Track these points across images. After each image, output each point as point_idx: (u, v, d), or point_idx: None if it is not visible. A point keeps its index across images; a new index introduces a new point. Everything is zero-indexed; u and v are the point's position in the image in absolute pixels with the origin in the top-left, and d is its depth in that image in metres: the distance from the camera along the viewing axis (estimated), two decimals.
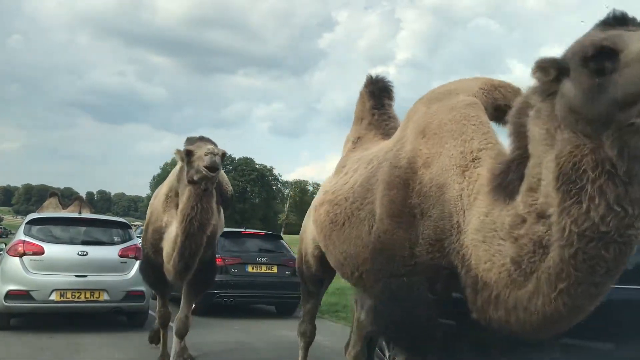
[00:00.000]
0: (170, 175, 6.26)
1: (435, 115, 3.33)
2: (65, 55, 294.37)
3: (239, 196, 70.01)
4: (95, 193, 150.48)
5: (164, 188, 6.17)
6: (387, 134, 4.38)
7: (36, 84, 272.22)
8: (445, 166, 3.07)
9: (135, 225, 12.28)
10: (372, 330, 4.32)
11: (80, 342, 7.48)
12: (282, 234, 17.98)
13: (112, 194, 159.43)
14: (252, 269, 10.62)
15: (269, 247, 11.34)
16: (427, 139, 3.26)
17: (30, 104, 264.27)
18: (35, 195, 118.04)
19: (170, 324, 6.57)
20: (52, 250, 8.16)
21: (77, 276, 8.03)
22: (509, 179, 2.59)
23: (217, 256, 7.20)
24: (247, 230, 12.14)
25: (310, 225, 4.84)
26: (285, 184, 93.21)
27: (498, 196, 2.65)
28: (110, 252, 8.49)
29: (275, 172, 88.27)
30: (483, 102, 3.38)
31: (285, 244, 11.71)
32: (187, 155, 4.94)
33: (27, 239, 8.17)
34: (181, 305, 6.02)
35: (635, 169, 2.04)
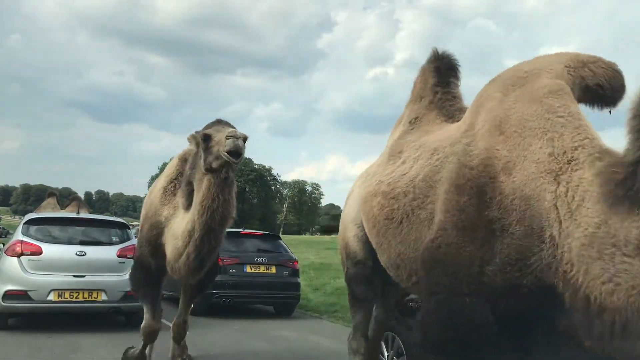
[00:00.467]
0: (167, 168, 5.79)
1: (513, 107, 2.90)
2: (64, 55, 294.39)
3: (238, 196, 69.96)
4: (93, 193, 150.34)
5: (160, 182, 5.63)
6: (451, 115, 3.90)
7: (35, 83, 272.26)
8: (532, 174, 2.65)
9: (133, 226, 12.24)
10: (419, 347, 3.76)
11: (78, 342, 7.47)
12: (280, 234, 17.98)
13: (111, 194, 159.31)
14: (251, 269, 10.61)
15: (268, 247, 11.33)
16: (505, 138, 2.84)
17: (29, 104, 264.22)
18: (33, 195, 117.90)
19: (163, 320, 6.36)
20: (50, 250, 8.14)
21: (75, 276, 8.02)
22: (635, 184, 2.21)
23: None
24: (245, 230, 12.13)
25: (349, 210, 4.40)
26: (284, 184, 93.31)
27: (618, 204, 2.28)
28: (108, 252, 8.48)
29: (274, 172, 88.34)
30: (569, 82, 2.91)
31: (283, 244, 11.71)
32: (205, 140, 4.38)
33: (25, 239, 8.16)
34: (179, 309, 5.70)
35: None
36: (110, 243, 8.74)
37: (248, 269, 10.59)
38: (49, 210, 13.28)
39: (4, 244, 9.92)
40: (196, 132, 4.58)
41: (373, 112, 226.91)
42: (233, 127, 4.46)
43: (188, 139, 4.62)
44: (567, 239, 2.46)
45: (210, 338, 8.07)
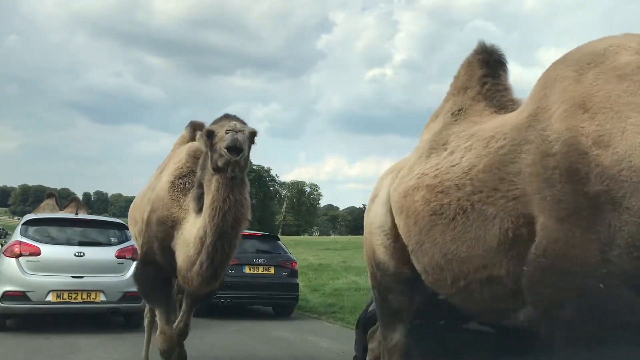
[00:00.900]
0: (173, 161, 5.31)
1: (595, 84, 2.74)
2: (62, 56, 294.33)
3: None
4: (92, 194, 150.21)
5: (166, 175, 5.15)
6: (502, 106, 3.64)
7: (33, 84, 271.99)
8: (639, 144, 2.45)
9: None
10: None
11: (77, 343, 7.46)
12: (279, 235, 17.98)
13: (109, 194, 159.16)
14: (249, 269, 10.61)
15: (266, 248, 11.32)
16: (591, 115, 2.66)
17: (27, 104, 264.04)
18: (32, 196, 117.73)
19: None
20: (49, 251, 8.14)
21: (73, 277, 8.02)
22: None
23: None
24: (244, 231, 12.12)
25: (376, 215, 4.03)
26: (282, 184, 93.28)
27: None
28: (107, 253, 8.48)
29: (273, 173, 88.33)
30: None
31: (282, 245, 11.71)
32: (209, 137, 4.05)
33: (24, 239, 8.16)
34: (182, 313, 5.32)
35: None
36: (109, 244, 8.75)
37: (247, 270, 10.59)
38: (47, 211, 13.27)
39: (2, 245, 9.91)
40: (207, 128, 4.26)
41: (372, 113, 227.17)
42: (240, 120, 4.13)
43: (197, 138, 4.32)
44: None
45: (209, 339, 8.07)
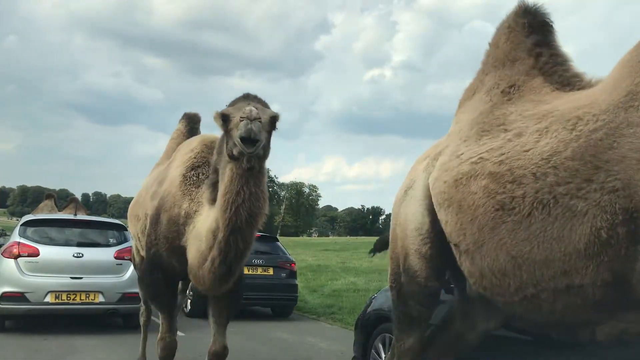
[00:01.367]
0: (183, 152, 4.84)
1: None
2: (60, 57, 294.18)
3: None
4: (90, 195, 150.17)
5: (177, 168, 4.68)
6: (566, 83, 3.16)
7: (31, 85, 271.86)
8: None
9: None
10: None
11: (75, 344, 7.45)
12: (278, 236, 17.98)
13: (108, 195, 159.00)
14: (248, 270, 10.58)
15: (265, 249, 11.31)
16: None
17: (26, 105, 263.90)
18: (30, 197, 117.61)
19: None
20: (48, 252, 8.13)
21: (72, 278, 8.01)
22: None
23: None
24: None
25: (411, 213, 3.54)
26: (281, 185, 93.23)
27: None
28: (105, 254, 8.48)
29: (272, 173, 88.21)
30: None
31: (281, 245, 11.70)
32: (224, 121, 3.58)
33: (22, 240, 8.15)
34: (213, 332, 4.75)
35: None
36: (108, 245, 8.74)
37: (245, 271, 10.52)
38: (46, 211, 13.27)
39: (0, 246, 9.89)
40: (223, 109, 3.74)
41: (370, 113, 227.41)
42: (261, 101, 3.69)
43: (213, 117, 3.75)
44: None
45: (207, 340, 8.04)
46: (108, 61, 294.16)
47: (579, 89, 3.06)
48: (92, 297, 8.08)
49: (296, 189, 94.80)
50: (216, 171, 3.97)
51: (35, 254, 8.02)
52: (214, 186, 3.97)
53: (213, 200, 3.99)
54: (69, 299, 7.95)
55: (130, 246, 8.72)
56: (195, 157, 4.63)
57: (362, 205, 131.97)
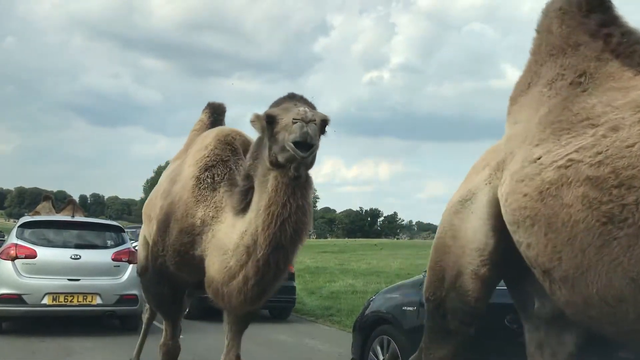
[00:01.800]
0: (195, 151, 4.36)
1: None
2: (59, 58, 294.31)
3: None
4: (88, 196, 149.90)
5: (189, 168, 4.22)
6: None
7: (30, 86, 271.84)
8: None
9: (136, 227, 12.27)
10: None
11: (72, 346, 7.43)
12: None
13: (106, 197, 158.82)
14: None
15: None
16: None
17: (24, 106, 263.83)
18: (28, 198, 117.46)
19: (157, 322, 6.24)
20: (45, 254, 8.10)
21: (69, 280, 7.99)
22: None
23: None
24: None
25: (471, 231, 3.13)
26: None
27: None
28: (103, 256, 8.46)
29: None
30: None
31: None
32: (269, 124, 3.15)
33: (20, 242, 8.12)
34: (228, 343, 4.38)
35: None
36: (105, 246, 8.72)
37: None
38: (43, 214, 13.25)
39: None
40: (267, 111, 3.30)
41: (369, 115, 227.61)
42: (309, 104, 3.28)
43: (251, 120, 3.34)
44: None
45: (205, 342, 8.04)
46: (107, 62, 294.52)
47: None
48: (89, 299, 8.06)
49: None
50: (248, 178, 3.54)
51: (33, 255, 8.00)
52: (245, 194, 3.54)
53: (242, 210, 3.56)
54: (66, 300, 7.93)
55: (128, 248, 8.74)
56: (208, 156, 4.16)
57: (360, 207, 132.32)
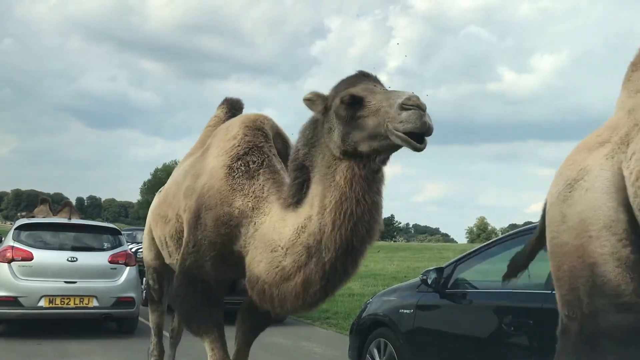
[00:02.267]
0: (221, 139, 3.89)
1: None
2: (56, 60, 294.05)
3: None
4: (85, 198, 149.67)
5: (218, 157, 3.75)
6: None
7: (27, 88, 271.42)
8: None
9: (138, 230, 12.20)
10: None
11: (69, 349, 7.42)
12: None
13: (103, 199, 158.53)
14: None
15: None
16: None
17: (21, 108, 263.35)
18: (24, 201, 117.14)
19: (165, 332, 5.54)
20: (41, 256, 8.09)
21: (66, 282, 7.98)
22: None
23: None
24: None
25: (591, 210, 2.46)
26: None
27: None
28: (100, 258, 8.45)
29: None
30: None
31: None
32: (351, 105, 2.76)
33: (16, 244, 8.11)
34: (238, 349, 4.26)
35: None
36: (102, 249, 8.72)
37: None
38: (40, 216, 13.22)
39: None
40: (337, 91, 2.92)
41: None
42: (382, 85, 2.93)
43: (306, 99, 2.98)
44: None
45: (202, 345, 8.03)
46: (104, 65, 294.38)
47: None
48: (86, 301, 8.05)
49: None
50: (302, 168, 3.11)
51: (29, 258, 7.98)
52: (300, 187, 3.12)
53: (294, 203, 3.15)
54: (62, 303, 7.91)
55: (125, 250, 8.73)
56: (239, 145, 3.72)
57: None
